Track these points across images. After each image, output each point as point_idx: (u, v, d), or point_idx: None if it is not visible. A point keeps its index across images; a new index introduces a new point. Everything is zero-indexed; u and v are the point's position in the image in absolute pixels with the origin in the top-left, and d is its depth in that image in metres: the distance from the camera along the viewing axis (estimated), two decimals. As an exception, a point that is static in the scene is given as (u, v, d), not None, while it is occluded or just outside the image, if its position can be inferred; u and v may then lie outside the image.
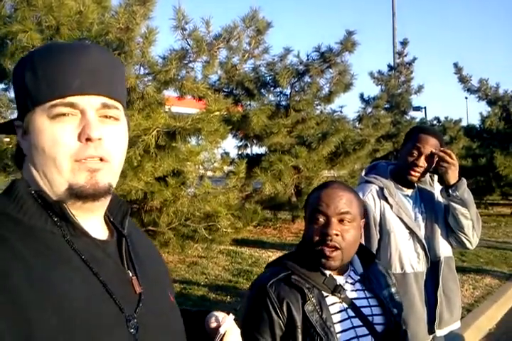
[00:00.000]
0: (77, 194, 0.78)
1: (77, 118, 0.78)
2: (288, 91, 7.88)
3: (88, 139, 0.77)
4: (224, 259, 6.96)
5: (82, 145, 0.77)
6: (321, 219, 1.36)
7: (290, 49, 7.61)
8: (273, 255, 6.79)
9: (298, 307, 1.30)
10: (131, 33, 4.18)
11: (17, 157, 0.86)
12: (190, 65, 4.97)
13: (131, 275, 0.83)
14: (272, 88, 7.83)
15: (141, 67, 4.73)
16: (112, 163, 0.81)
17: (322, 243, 1.33)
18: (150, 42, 4.21)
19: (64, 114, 0.77)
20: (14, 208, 0.77)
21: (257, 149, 9.29)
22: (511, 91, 12.68)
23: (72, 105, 0.77)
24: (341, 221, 1.36)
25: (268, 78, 7.59)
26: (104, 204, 0.84)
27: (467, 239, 2.16)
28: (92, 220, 0.84)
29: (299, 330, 1.29)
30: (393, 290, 1.50)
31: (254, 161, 7.68)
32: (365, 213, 1.50)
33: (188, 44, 5.02)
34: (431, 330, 2.11)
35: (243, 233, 6.22)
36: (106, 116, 0.81)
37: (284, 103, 7.93)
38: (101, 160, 0.79)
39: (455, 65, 12.50)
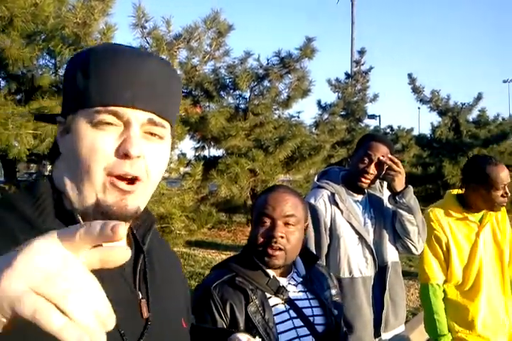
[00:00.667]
0: (103, 212, 0.72)
1: (120, 129, 0.73)
2: (247, 95, 7.92)
3: (126, 155, 0.71)
4: (177, 261, 6.88)
5: (118, 161, 0.72)
6: (267, 222, 1.41)
7: (250, 52, 7.65)
8: (226, 257, 6.77)
9: (241, 308, 1.32)
10: (89, 28, 4.08)
11: (52, 152, 0.82)
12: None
13: (140, 297, 0.77)
14: (231, 91, 7.83)
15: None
16: (147, 184, 0.76)
17: (267, 244, 1.39)
18: (108, 38, 4.11)
19: (107, 123, 0.72)
20: (30, 207, 0.72)
21: (214, 151, 9.27)
22: (461, 103, 13.23)
23: (116, 114, 0.72)
24: (286, 224, 1.41)
25: (228, 80, 7.59)
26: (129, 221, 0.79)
27: (413, 245, 2.23)
28: None
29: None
30: (334, 291, 1.55)
31: (210, 163, 7.65)
32: (306, 216, 1.54)
33: (148, 42, 4.95)
34: (377, 333, 2.16)
35: (197, 235, 6.17)
36: (151, 133, 0.76)
37: (243, 106, 7.96)
38: (136, 179, 0.73)
39: (409, 75, 12.91)
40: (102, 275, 0.72)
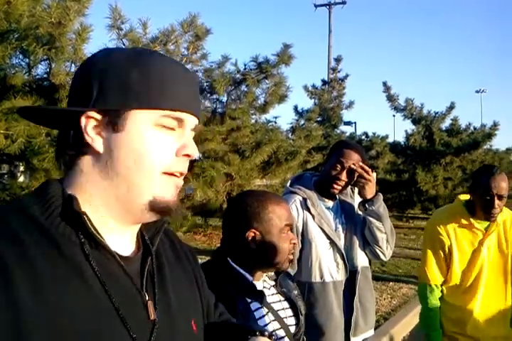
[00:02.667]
0: (159, 207, 0.76)
1: (176, 133, 0.78)
2: (224, 99, 7.91)
3: (187, 155, 0.78)
4: (150, 266, 6.80)
5: (176, 159, 0.77)
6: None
7: (228, 57, 7.65)
8: (201, 262, 6.72)
9: None
10: (64, 28, 4.02)
11: (61, 151, 0.78)
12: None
13: (147, 298, 0.77)
14: (208, 94, 7.81)
15: (73, 64, 4.56)
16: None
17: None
18: (83, 39, 4.07)
19: (171, 128, 0.77)
20: (39, 209, 0.72)
21: (190, 155, 9.20)
22: (434, 112, 13.51)
23: (181, 121, 0.78)
24: None
25: (205, 84, 7.58)
26: None
27: (381, 252, 2.25)
28: (127, 233, 0.80)
29: None
30: (296, 292, 1.59)
31: (186, 167, 7.60)
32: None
33: (123, 44, 4.90)
34: (347, 338, 2.18)
35: (171, 239, 6.12)
36: None
37: (220, 110, 7.95)
38: (181, 175, 0.79)
39: (384, 83, 13.15)
40: (110, 277, 0.72)
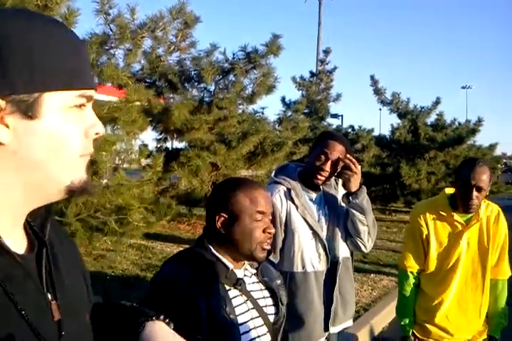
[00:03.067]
0: (78, 190, 0.72)
1: (84, 111, 0.73)
2: (212, 88, 7.86)
3: (97, 133, 0.74)
4: (133, 253, 6.79)
5: (87, 140, 0.73)
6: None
7: (217, 45, 7.60)
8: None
9: (203, 302, 1.31)
10: (50, 12, 3.94)
11: None
12: (112, 51, 4.80)
13: (50, 298, 0.72)
14: (196, 83, 7.76)
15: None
16: None
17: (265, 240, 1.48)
18: (70, 23, 4.00)
19: (80, 107, 0.71)
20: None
21: (176, 143, 9.18)
22: (420, 107, 13.59)
23: (90, 98, 0.73)
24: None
25: (193, 72, 7.52)
26: None
27: (362, 243, 2.28)
28: (17, 228, 0.73)
29: (205, 324, 1.30)
30: (279, 281, 1.58)
31: (172, 155, 7.57)
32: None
33: (111, 30, 4.84)
34: (325, 327, 2.21)
35: (156, 227, 6.11)
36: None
37: (207, 99, 7.90)
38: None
39: (371, 77, 13.18)
40: (12, 281, 0.66)
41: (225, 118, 7.87)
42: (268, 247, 1.43)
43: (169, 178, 7.92)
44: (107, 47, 4.73)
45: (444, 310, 2.39)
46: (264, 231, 1.41)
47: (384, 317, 5.23)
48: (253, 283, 1.49)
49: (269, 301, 1.49)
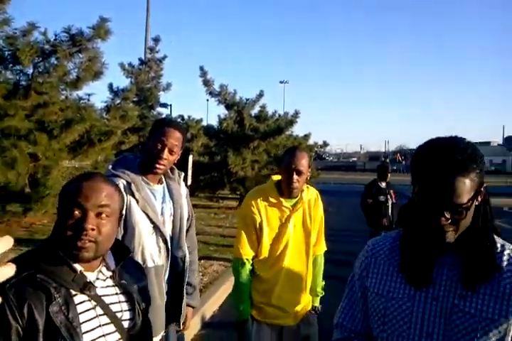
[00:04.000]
0: None
1: None
2: (30, 71, 7.14)
3: None
4: None
5: None
6: (77, 212, 1.30)
7: (36, 24, 6.90)
8: (22, 252, 6.06)
9: (41, 308, 1.22)
10: None
11: None
12: None
13: None
14: (10, 65, 6.95)
15: None
16: None
17: (76, 237, 1.28)
18: None
19: None
20: None
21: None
22: (245, 99, 14.34)
23: None
24: (99, 214, 1.33)
25: (6, 53, 6.72)
26: None
27: None
28: None
29: (41, 334, 1.21)
30: (141, 285, 1.53)
31: (-19, 145, 6.70)
32: (122, 207, 1.47)
33: None
34: (170, 320, 2.28)
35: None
36: None
37: (24, 83, 7.14)
38: None
39: (201, 68, 13.43)
40: None
41: (45, 104, 7.22)
42: (79, 243, 1.29)
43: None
44: None
45: (278, 291, 2.60)
46: (67, 223, 1.31)
47: (215, 301, 5.47)
48: (107, 286, 1.40)
49: (125, 306, 1.42)
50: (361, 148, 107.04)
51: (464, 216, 1.20)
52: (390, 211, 6.85)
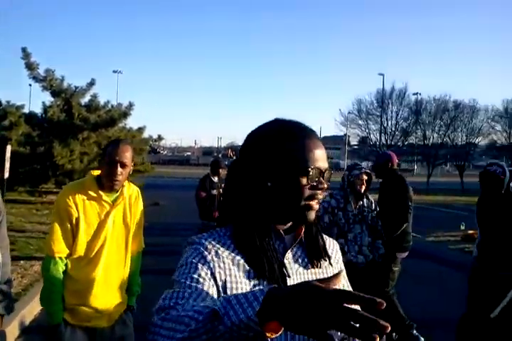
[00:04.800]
0: None
1: None
2: None
3: None
4: None
5: None
6: None
7: None
8: None
9: None
10: None
11: None
12: None
13: None
14: None
15: None
16: None
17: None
18: None
19: None
20: None
21: None
22: (74, 86, 13.45)
23: None
24: None
25: None
26: None
27: None
28: None
29: None
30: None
31: None
32: None
33: None
34: None
35: None
36: None
37: None
38: None
39: (23, 49, 12.19)
40: None
41: None
42: None
43: None
44: None
45: (93, 290, 2.46)
46: None
47: (36, 304, 5.05)
48: None
49: None
50: (195, 143, 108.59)
51: None
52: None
